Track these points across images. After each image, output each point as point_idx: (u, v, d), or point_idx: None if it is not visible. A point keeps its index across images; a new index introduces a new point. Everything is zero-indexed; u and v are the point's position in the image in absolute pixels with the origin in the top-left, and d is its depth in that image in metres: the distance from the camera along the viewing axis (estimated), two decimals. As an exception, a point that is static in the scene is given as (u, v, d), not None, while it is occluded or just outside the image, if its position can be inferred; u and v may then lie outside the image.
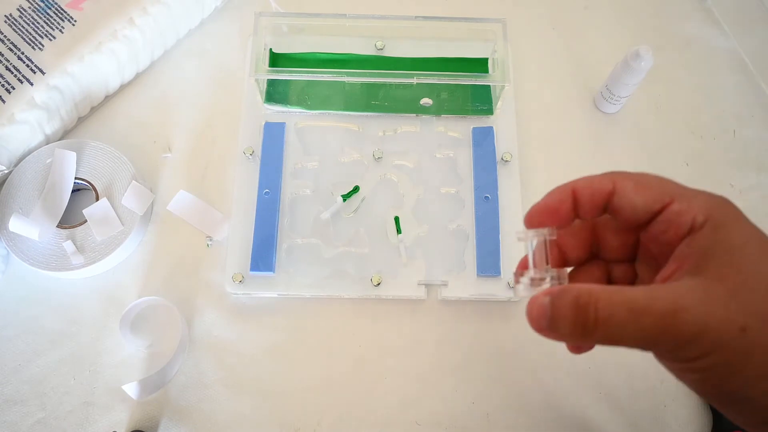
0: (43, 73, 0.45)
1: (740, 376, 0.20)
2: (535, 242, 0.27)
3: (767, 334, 0.20)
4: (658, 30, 0.56)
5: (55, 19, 0.47)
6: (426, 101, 0.50)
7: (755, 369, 0.20)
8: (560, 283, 0.26)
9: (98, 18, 0.47)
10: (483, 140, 0.49)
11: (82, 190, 0.47)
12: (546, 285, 0.26)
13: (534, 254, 0.27)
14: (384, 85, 0.50)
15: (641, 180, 0.25)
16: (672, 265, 0.23)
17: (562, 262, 0.28)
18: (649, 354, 0.23)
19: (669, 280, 0.23)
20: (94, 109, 0.50)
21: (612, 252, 0.28)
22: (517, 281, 0.28)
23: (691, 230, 0.23)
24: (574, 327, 0.22)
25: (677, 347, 0.21)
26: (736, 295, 0.20)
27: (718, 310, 0.20)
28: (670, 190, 0.24)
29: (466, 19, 0.49)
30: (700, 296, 0.20)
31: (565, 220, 0.26)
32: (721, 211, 0.23)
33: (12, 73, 0.45)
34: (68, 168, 0.45)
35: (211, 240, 0.46)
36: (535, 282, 0.27)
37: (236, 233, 0.45)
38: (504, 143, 0.49)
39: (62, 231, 0.44)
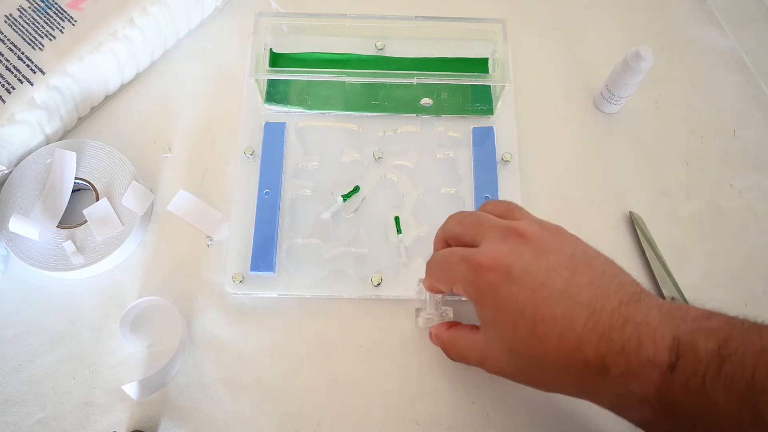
0: (43, 73, 0.45)
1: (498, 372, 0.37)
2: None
3: (493, 367, 0.37)
4: (658, 30, 0.56)
5: (55, 19, 0.47)
6: (426, 101, 0.50)
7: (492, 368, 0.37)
8: (444, 319, 0.41)
9: (98, 18, 0.47)
10: (483, 140, 0.49)
11: (82, 190, 0.47)
12: (436, 320, 0.41)
13: (428, 299, 0.42)
14: (384, 85, 0.50)
15: (438, 278, 0.38)
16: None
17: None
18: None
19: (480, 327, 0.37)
20: (94, 109, 0.50)
21: None
22: (417, 316, 0.42)
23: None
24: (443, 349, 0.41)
25: (482, 367, 0.38)
26: (492, 348, 0.36)
27: (494, 359, 0.36)
28: (452, 279, 0.36)
29: (466, 19, 0.49)
30: (485, 349, 0.36)
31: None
32: (476, 292, 0.35)
33: (12, 73, 0.45)
34: (68, 168, 0.45)
35: (211, 240, 0.46)
36: (429, 319, 0.42)
37: (236, 233, 0.46)
38: (504, 143, 0.49)
39: (62, 231, 0.44)
